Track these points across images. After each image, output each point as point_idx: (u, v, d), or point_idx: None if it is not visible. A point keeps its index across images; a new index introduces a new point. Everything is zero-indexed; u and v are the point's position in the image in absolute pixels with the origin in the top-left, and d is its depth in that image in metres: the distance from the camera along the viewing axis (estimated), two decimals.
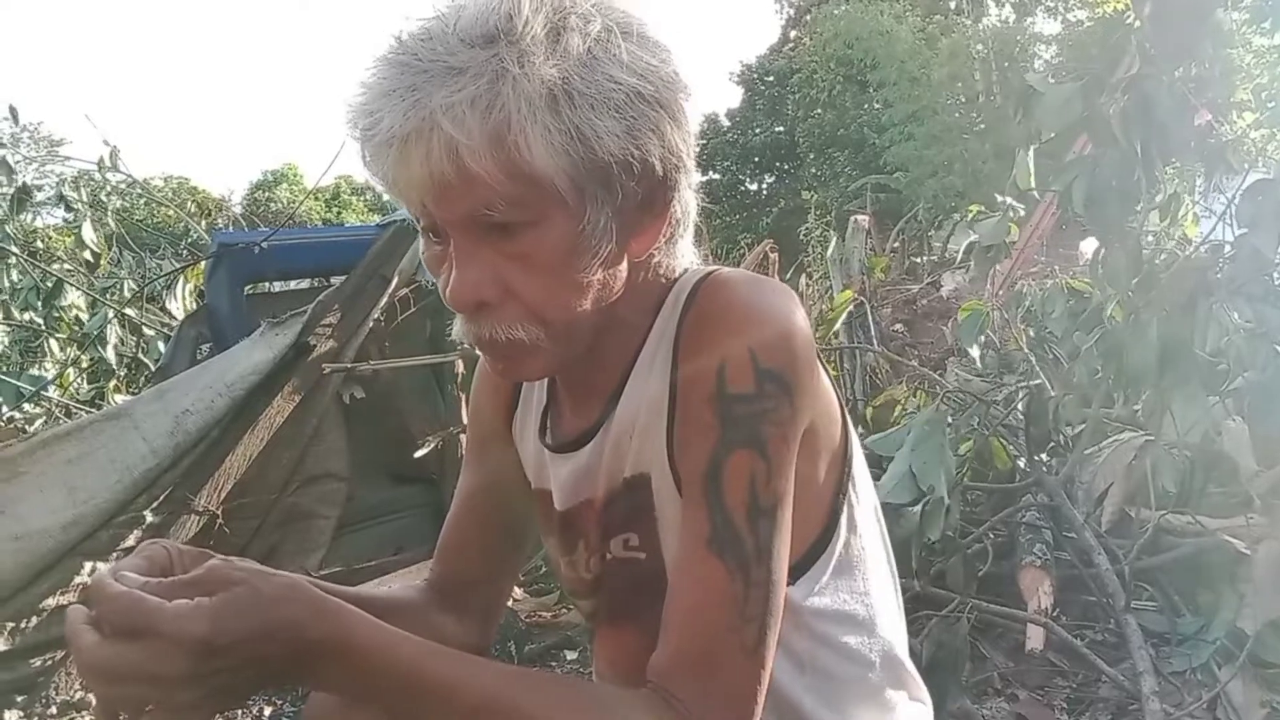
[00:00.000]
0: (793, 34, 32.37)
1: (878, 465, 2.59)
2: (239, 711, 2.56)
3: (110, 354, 4.53)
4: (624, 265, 0.90)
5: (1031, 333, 3.95)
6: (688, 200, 0.93)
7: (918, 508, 2.36)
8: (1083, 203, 2.31)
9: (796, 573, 0.93)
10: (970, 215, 3.63)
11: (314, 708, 1.07)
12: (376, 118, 0.80)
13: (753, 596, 0.82)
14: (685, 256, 0.98)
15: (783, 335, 0.86)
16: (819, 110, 26.59)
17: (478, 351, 0.93)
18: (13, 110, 5.67)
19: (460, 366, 3.51)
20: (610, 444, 0.97)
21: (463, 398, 3.50)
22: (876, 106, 24.28)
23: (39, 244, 6.14)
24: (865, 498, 1.02)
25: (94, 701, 0.74)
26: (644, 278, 0.94)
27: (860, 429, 3.62)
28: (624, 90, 0.82)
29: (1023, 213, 3.66)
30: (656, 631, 0.86)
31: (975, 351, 3.86)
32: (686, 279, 0.96)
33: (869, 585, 1.01)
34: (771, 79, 32.64)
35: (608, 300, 0.90)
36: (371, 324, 3.28)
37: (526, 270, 0.85)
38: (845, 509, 0.98)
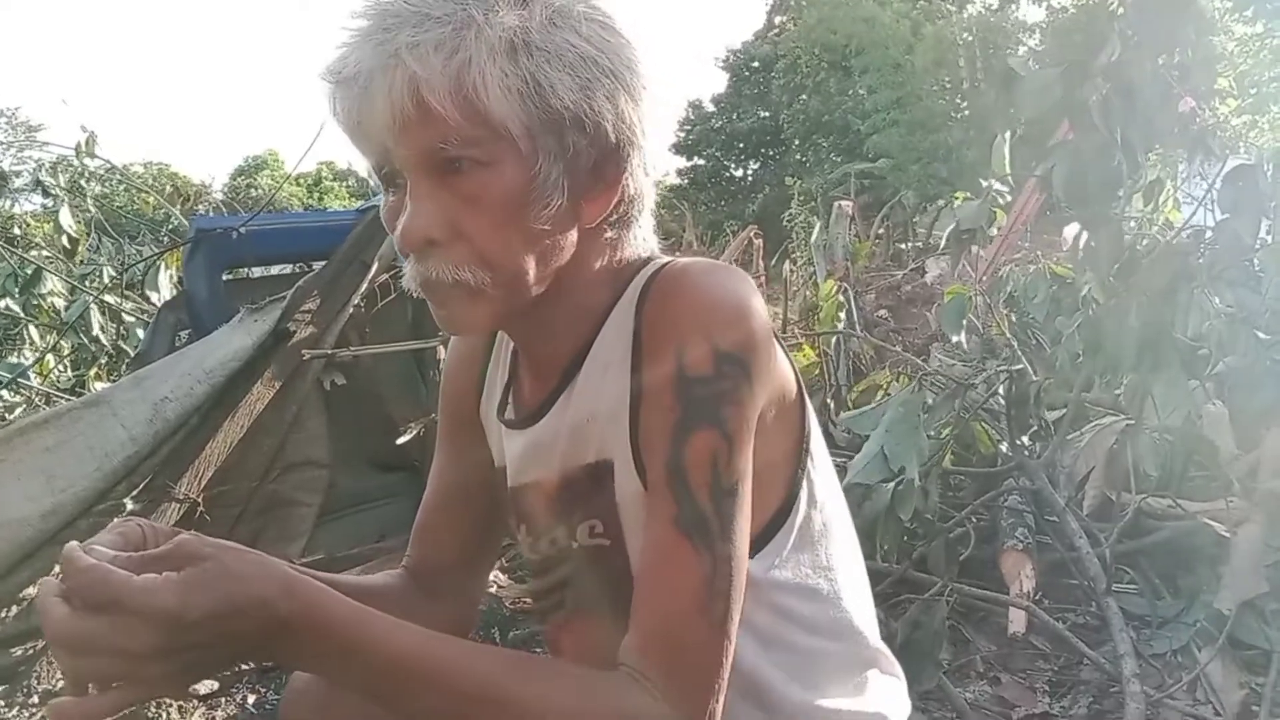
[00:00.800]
0: (778, 20, 32.31)
1: (859, 447, 2.59)
2: (222, 699, 2.55)
3: (94, 339, 4.50)
4: (574, 232, 0.93)
5: (1014, 318, 3.96)
6: (642, 182, 0.95)
7: (889, 485, 2.37)
8: (1063, 188, 2.31)
9: (756, 546, 0.94)
10: (956, 201, 3.64)
11: (293, 693, 1.07)
12: (349, 58, 0.85)
13: (719, 573, 0.84)
14: (646, 243, 1.00)
15: (739, 319, 0.88)
16: (804, 96, 26.61)
17: (422, 294, 0.93)
18: None
19: (442, 353, 3.49)
20: (567, 426, 0.99)
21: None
22: (861, 93, 24.30)
23: (16, 231, 6.08)
24: (824, 474, 1.03)
25: (63, 673, 0.74)
26: (602, 260, 0.97)
27: (843, 413, 3.63)
28: (580, 53, 0.86)
29: (1008, 198, 3.67)
30: (623, 617, 0.87)
31: (958, 336, 3.87)
32: (647, 269, 0.97)
33: (831, 560, 1.02)
34: (757, 65, 32.63)
35: (556, 261, 0.92)
36: (352, 310, 3.26)
37: (476, 211, 0.88)
38: (805, 484, 0.99)
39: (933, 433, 2.70)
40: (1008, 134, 3.12)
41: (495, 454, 1.12)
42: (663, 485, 0.86)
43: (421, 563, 1.18)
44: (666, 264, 0.97)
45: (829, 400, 4.07)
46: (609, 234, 0.95)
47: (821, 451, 1.04)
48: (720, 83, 35.02)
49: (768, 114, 31.92)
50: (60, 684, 2.58)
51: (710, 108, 34.81)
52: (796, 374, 1.00)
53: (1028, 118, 2.43)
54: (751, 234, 6.35)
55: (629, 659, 0.84)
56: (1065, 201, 2.39)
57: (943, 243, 3.89)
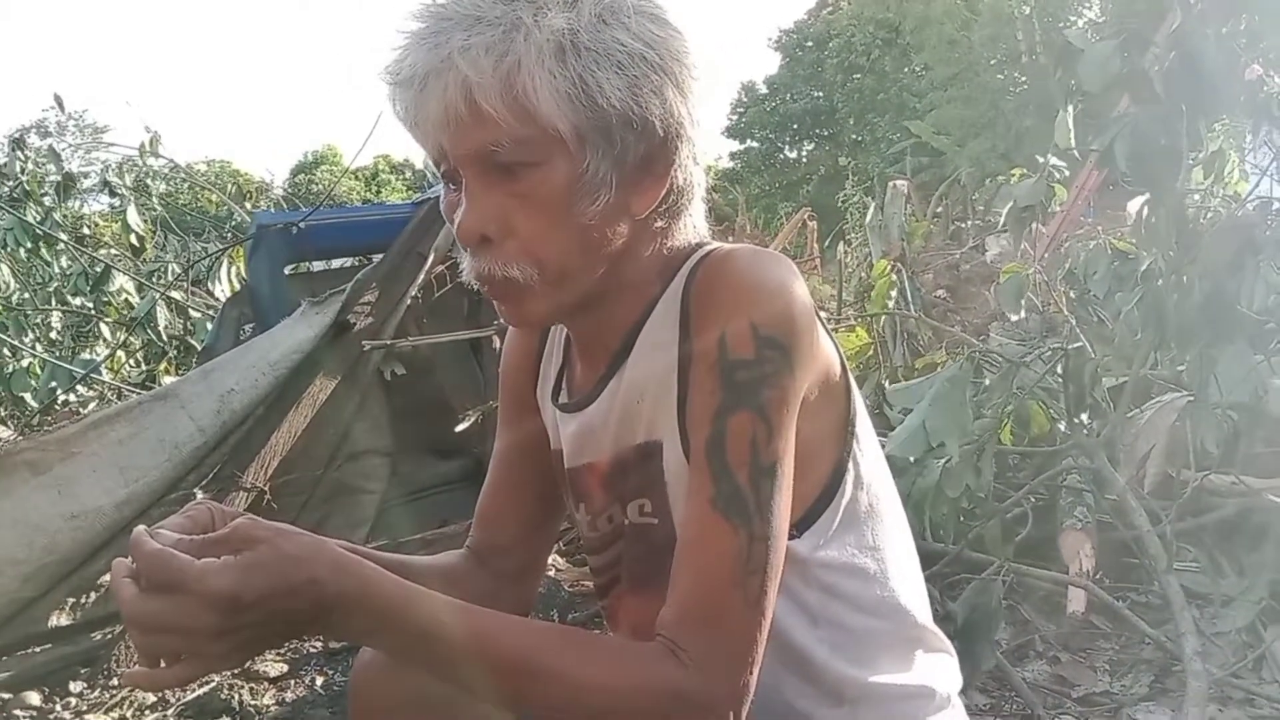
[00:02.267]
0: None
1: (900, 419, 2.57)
2: (292, 680, 2.62)
3: (161, 335, 4.62)
4: (625, 224, 0.95)
5: (1073, 294, 3.90)
6: (691, 172, 0.97)
7: (939, 463, 2.36)
8: (1125, 161, 2.27)
9: (802, 526, 0.97)
10: (1014, 178, 3.59)
11: (362, 665, 1.11)
12: (404, 60, 0.89)
13: (755, 551, 0.87)
14: (697, 230, 1.02)
15: (780, 303, 0.90)
16: (858, 75, 26.30)
17: (479, 288, 0.97)
18: (58, 99, 5.79)
19: (497, 342, 3.53)
20: (618, 408, 1.01)
21: (499, 374, 3.52)
22: (917, 70, 23.94)
23: (86, 230, 6.25)
24: (871, 454, 1.04)
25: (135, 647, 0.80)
26: (653, 248, 0.99)
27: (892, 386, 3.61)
28: (628, 51, 0.88)
29: (1066, 174, 3.61)
30: None
31: (1017, 315, 3.82)
32: (695, 255, 1.00)
33: (879, 539, 1.03)
34: (810, 44, 32.28)
35: (607, 254, 0.95)
36: (409, 301, 3.32)
37: (527, 209, 0.91)
38: (850, 465, 1.01)
39: (989, 411, 2.68)
40: (1071, 108, 3.06)
41: (552, 437, 1.15)
42: (702, 464, 0.89)
43: (484, 544, 1.22)
44: (713, 250, 0.99)
45: (885, 381, 4.04)
46: (659, 224, 0.98)
47: (868, 433, 1.05)
48: (773, 64, 34.74)
49: (821, 94, 31.58)
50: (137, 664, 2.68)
51: (763, 89, 34.55)
52: (841, 356, 1.01)
53: (1090, 90, 2.38)
54: (805, 216, 6.31)
55: (666, 631, 0.87)
56: (1126, 175, 2.35)
57: (1001, 220, 3.84)
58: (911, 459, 2.40)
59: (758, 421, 0.88)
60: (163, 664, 0.79)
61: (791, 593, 0.94)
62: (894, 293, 4.38)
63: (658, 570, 0.93)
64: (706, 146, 0.99)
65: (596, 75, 0.87)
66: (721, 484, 0.87)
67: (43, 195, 5.30)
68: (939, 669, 1.09)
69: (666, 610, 0.88)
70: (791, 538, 0.93)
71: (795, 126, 33.31)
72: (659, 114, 0.90)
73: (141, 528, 0.80)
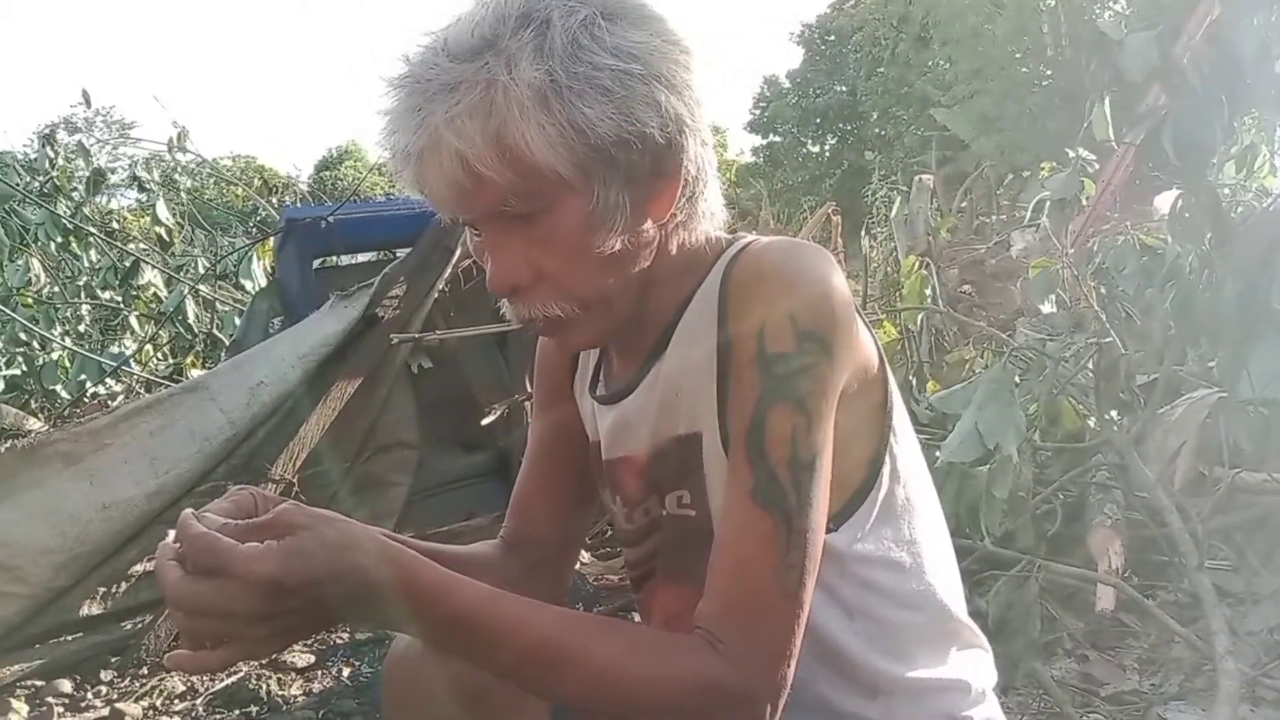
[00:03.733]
0: None
1: (944, 424, 2.56)
2: (319, 671, 2.64)
3: (190, 328, 4.66)
4: (649, 229, 0.95)
5: (1103, 290, 3.86)
6: (700, 156, 0.96)
7: (985, 468, 2.34)
8: (1155, 154, 2.25)
9: (839, 519, 0.96)
10: (1043, 172, 3.56)
11: (396, 654, 1.12)
12: (394, 138, 0.89)
13: (794, 545, 0.87)
14: (715, 216, 1.01)
15: (820, 296, 0.90)
16: (882, 69, 26.15)
17: (524, 325, 0.98)
18: (85, 95, 5.84)
19: (522, 337, 3.54)
20: (656, 400, 1.02)
21: (525, 368, 3.54)
22: (941, 63, 23.79)
23: (115, 225, 6.31)
24: (908, 448, 1.04)
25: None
26: (678, 240, 0.99)
27: (928, 391, 3.60)
28: (610, 73, 0.87)
29: (1095, 167, 3.58)
30: None
31: (1047, 308, 3.79)
32: (731, 248, 1.00)
33: (915, 534, 1.03)
34: (833, 38, 32.15)
35: (638, 266, 0.95)
36: (436, 294, 3.34)
37: (550, 253, 0.92)
38: (888, 458, 1.00)
39: (1020, 408, 2.66)
40: (1106, 98, 3.03)
41: (589, 429, 1.16)
42: (742, 457, 0.89)
43: (517, 534, 1.22)
44: (750, 242, 0.99)
45: (911, 377, 4.02)
46: (679, 218, 0.97)
47: (905, 427, 1.05)
48: (795, 58, 34.61)
49: (844, 88, 31.44)
50: (169, 652, 2.70)
51: (785, 83, 34.42)
52: (879, 350, 1.01)
53: (1127, 81, 2.36)
54: (829, 211, 6.27)
55: (703, 623, 0.87)
56: (1157, 168, 2.33)
57: (1028, 214, 3.81)
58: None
59: (797, 414, 0.88)
60: (207, 647, 0.79)
61: (827, 586, 0.94)
62: (927, 290, 4.35)
63: (694, 562, 0.93)
64: (713, 115, 0.98)
65: (584, 112, 0.86)
66: (760, 476, 0.88)
67: (72, 190, 5.35)
68: (974, 663, 1.09)
69: (704, 603, 0.88)
70: (828, 531, 0.93)
71: (818, 121, 33.16)
72: (656, 123, 0.89)
73: (189, 510, 0.81)
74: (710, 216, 1.00)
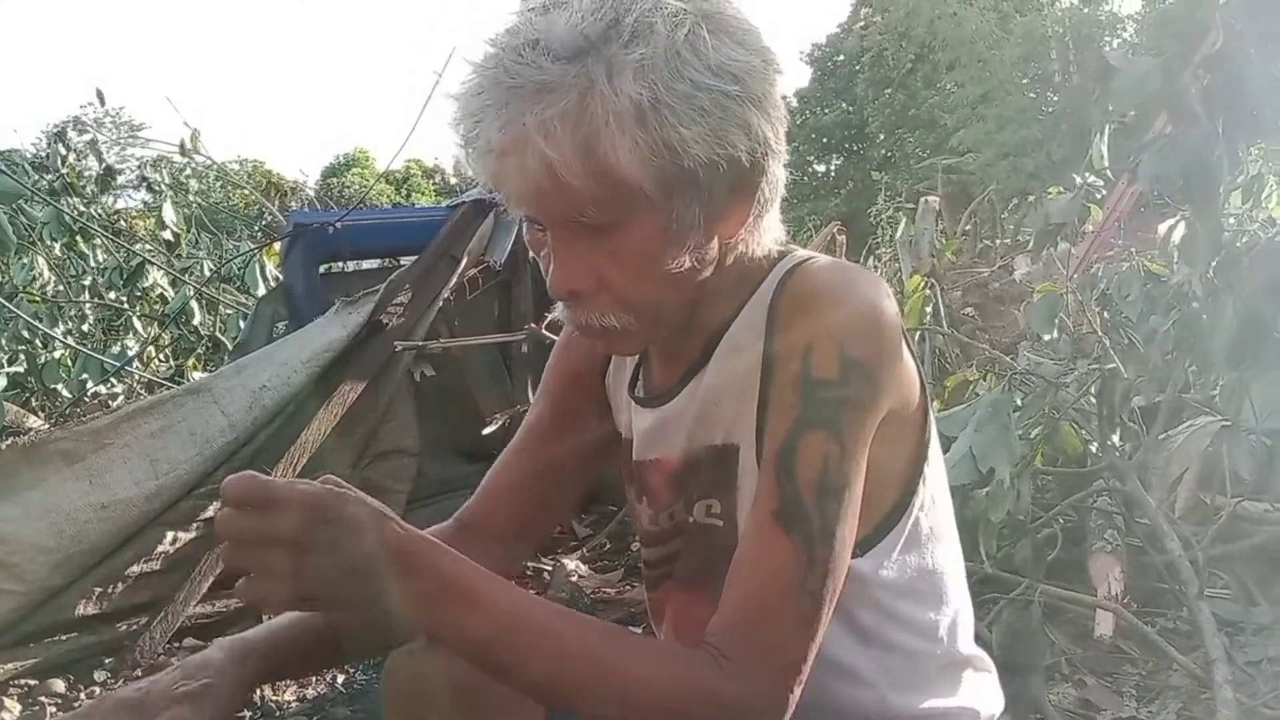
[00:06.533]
0: (863, 12, 31.86)
1: (946, 446, 2.56)
2: (314, 677, 2.63)
3: (193, 330, 4.66)
4: (714, 246, 0.94)
5: (1106, 315, 3.87)
6: (776, 176, 0.95)
7: (984, 491, 2.34)
8: (1160, 182, 2.25)
9: (866, 545, 0.96)
10: (1050, 196, 3.56)
11: (395, 663, 1.11)
12: (476, 130, 0.86)
13: (813, 571, 0.86)
14: (772, 231, 1.00)
15: (870, 324, 0.90)
16: (889, 90, 26.25)
17: (578, 333, 0.98)
18: (100, 93, 5.86)
19: (525, 348, 3.55)
20: (696, 408, 1.01)
21: (528, 379, 3.54)
22: (949, 87, 23.88)
23: (122, 225, 6.32)
24: (937, 476, 1.04)
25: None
26: (734, 256, 0.98)
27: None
28: (710, 94, 0.85)
29: (1103, 193, 3.59)
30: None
31: (1049, 335, 3.79)
32: (782, 264, 0.99)
33: (936, 563, 1.02)
34: (842, 58, 32.28)
35: (697, 282, 0.94)
36: (441, 303, 3.34)
37: (617, 264, 0.91)
38: (920, 487, 1.00)
39: (1021, 432, 2.66)
40: (1106, 128, 3.04)
41: (623, 427, 1.15)
42: (770, 477, 0.88)
43: (478, 516, 1.20)
44: (804, 261, 0.98)
45: None
46: (742, 234, 0.96)
47: (937, 455, 1.04)
48: (804, 77, 34.74)
49: (852, 108, 31.57)
50: (162, 658, 2.70)
51: (794, 102, 34.56)
52: (922, 379, 1.00)
53: (1124, 109, 2.36)
54: (835, 230, 6.28)
55: (713, 639, 0.87)
56: (1161, 196, 2.33)
57: (1033, 239, 3.81)
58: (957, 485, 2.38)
59: (832, 442, 0.87)
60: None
61: (846, 612, 0.93)
62: (928, 309, 4.35)
63: (714, 572, 0.92)
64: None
65: (680, 132, 0.84)
66: (786, 498, 0.87)
67: (83, 187, 5.36)
68: (982, 691, 1.08)
69: (717, 618, 0.88)
70: (854, 556, 0.92)
71: (825, 140, 33.28)
72: (745, 146, 0.88)
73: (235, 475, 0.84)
74: (767, 232, 0.99)
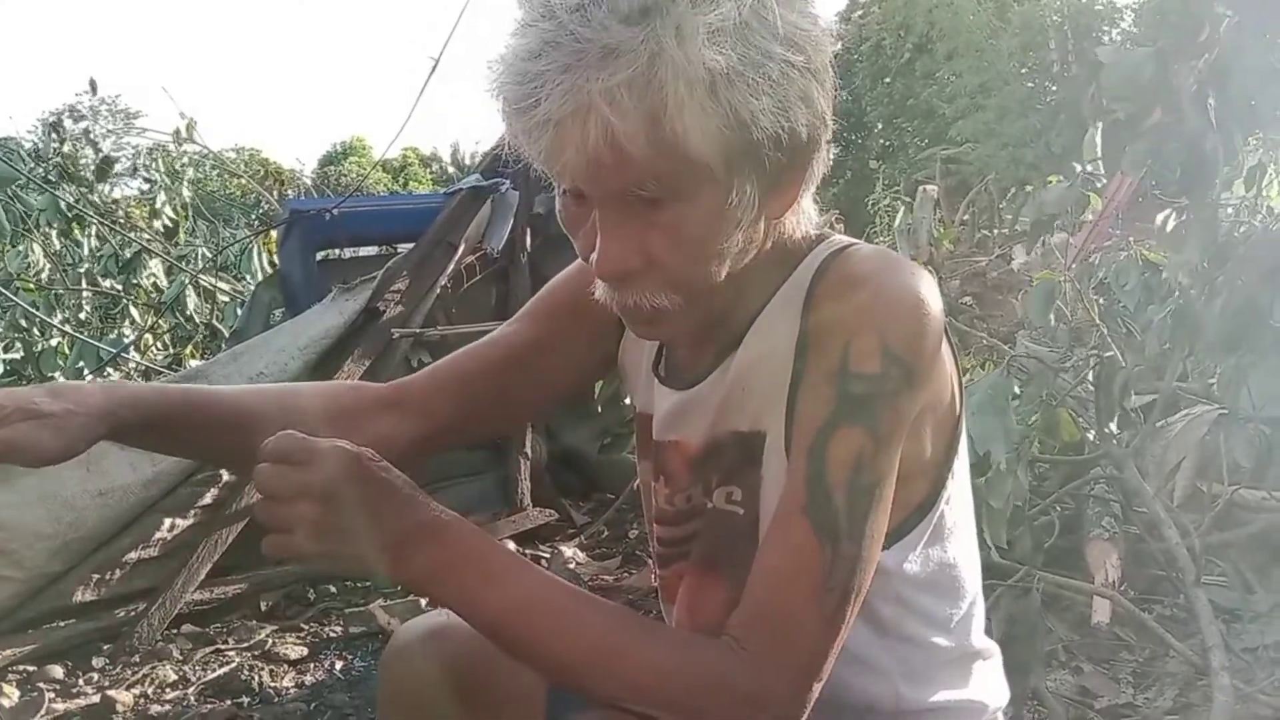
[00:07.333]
0: (861, 1, 31.79)
1: None
2: (312, 664, 2.64)
3: (189, 318, 4.65)
4: (762, 225, 0.90)
5: (1103, 303, 3.87)
6: (827, 154, 0.92)
7: (983, 478, 2.34)
8: (1155, 172, 2.26)
9: (892, 539, 0.93)
10: (1050, 184, 3.56)
11: (392, 651, 1.11)
12: (533, 98, 0.80)
13: (839, 569, 0.83)
14: (808, 213, 0.97)
15: (914, 320, 0.86)
16: (888, 80, 26.20)
17: (617, 311, 0.94)
18: (92, 83, 5.84)
19: None
20: (723, 393, 0.98)
21: None
22: (947, 77, 23.84)
23: (120, 213, 6.31)
24: (962, 470, 1.02)
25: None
26: (773, 238, 0.94)
27: None
28: (778, 64, 0.81)
29: (1102, 182, 3.58)
30: (737, 582, 0.88)
31: (1045, 323, 3.79)
32: (820, 248, 0.95)
33: (956, 555, 1.01)
34: (840, 48, 32.19)
35: (742, 260, 0.90)
36: (439, 290, 3.34)
37: (671, 241, 0.85)
38: (949, 481, 0.98)
39: (1019, 419, 2.66)
40: (1099, 123, 3.03)
41: (641, 402, 1.11)
42: (800, 471, 0.86)
43: (410, 393, 1.15)
44: (845, 246, 0.95)
45: None
46: (787, 214, 0.93)
47: (963, 448, 1.02)
48: None
49: (850, 97, 31.47)
50: (160, 644, 2.70)
51: None
52: (958, 373, 0.98)
53: (1118, 99, 2.36)
54: (833, 218, 6.27)
55: (734, 630, 0.85)
56: (1157, 187, 2.33)
57: (1029, 230, 3.81)
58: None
59: (866, 438, 0.84)
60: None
61: (867, 604, 0.90)
62: None
63: (730, 558, 0.92)
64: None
65: (750, 104, 0.79)
66: (816, 493, 0.84)
67: (79, 175, 5.34)
68: (990, 682, 1.08)
69: (740, 610, 0.86)
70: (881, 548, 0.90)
71: None
72: (806, 120, 0.84)
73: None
74: (804, 212, 0.96)
